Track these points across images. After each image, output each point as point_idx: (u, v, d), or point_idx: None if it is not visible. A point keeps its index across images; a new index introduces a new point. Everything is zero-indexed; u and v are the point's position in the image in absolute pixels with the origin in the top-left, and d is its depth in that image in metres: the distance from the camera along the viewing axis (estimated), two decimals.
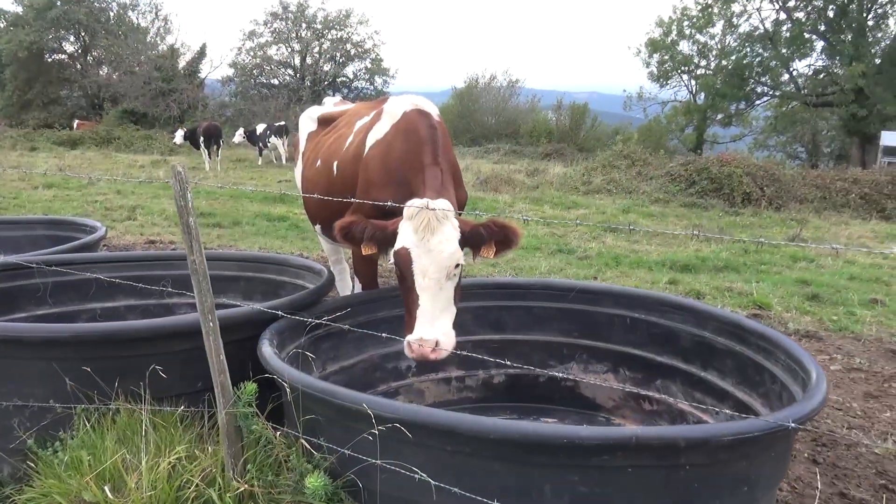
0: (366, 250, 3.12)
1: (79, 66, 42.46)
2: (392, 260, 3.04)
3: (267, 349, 2.72)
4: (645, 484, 2.06)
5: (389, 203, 3.21)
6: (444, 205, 2.96)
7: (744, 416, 3.13)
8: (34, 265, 3.78)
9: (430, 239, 2.87)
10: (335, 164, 4.20)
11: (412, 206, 2.96)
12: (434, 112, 3.85)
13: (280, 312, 2.92)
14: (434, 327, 2.87)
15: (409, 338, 2.90)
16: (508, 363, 2.65)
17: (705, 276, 8.59)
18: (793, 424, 1.96)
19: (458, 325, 3.99)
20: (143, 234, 10.11)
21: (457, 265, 2.94)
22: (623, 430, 1.98)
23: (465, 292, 4.06)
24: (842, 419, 4.27)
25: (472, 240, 2.98)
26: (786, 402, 2.82)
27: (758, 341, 3.10)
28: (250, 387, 2.45)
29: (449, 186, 3.39)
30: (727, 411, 3.24)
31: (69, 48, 43.37)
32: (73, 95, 43.61)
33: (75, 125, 33.82)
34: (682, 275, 8.61)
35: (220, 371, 2.40)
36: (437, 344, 2.86)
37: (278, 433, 2.47)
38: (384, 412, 2.13)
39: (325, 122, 4.89)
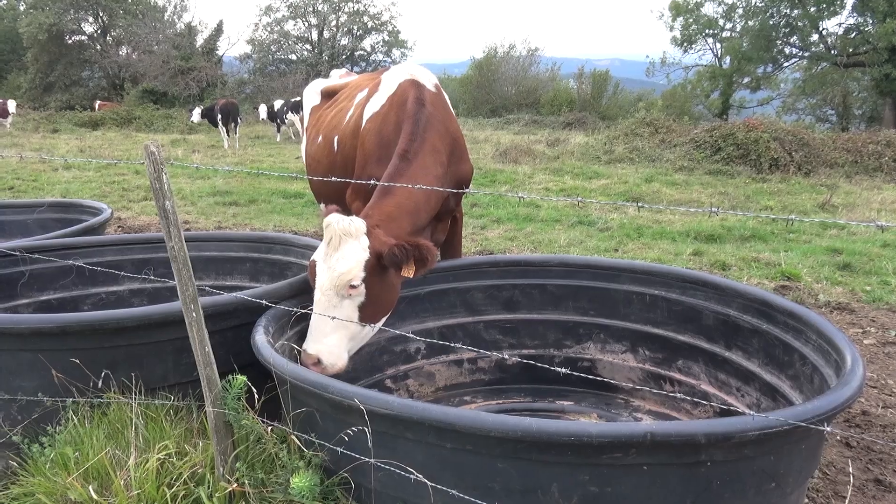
0: None
1: (98, 47, 42.52)
2: None
3: (260, 337, 2.57)
4: (661, 482, 1.89)
5: (372, 181, 3.12)
6: (355, 223, 2.89)
7: (770, 399, 2.94)
8: (17, 253, 3.67)
9: (332, 255, 2.86)
10: (335, 139, 4.03)
11: (325, 221, 2.93)
12: (429, 83, 3.66)
13: (264, 302, 2.76)
14: (318, 343, 2.84)
15: (304, 344, 2.90)
16: (485, 352, 2.47)
17: (731, 247, 8.31)
18: (828, 428, 1.76)
19: (468, 306, 3.88)
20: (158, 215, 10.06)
21: (352, 286, 2.86)
22: (636, 427, 1.80)
23: (476, 270, 3.90)
24: (876, 398, 4.04)
25: (389, 260, 2.89)
26: (817, 385, 2.62)
27: (787, 319, 2.88)
28: (239, 379, 2.31)
29: (418, 176, 3.26)
30: (753, 394, 3.05)
31: (88, 29, 43.47)
32: (95, 76, 43.79)
33: (97, 106, 33.96)
34: (707, 245, 8.34)
35: (205, 363, 2.26)
36: (318, 360, 2.82)
37: (270, 428, 2.34)
38: (377, 407, 1.97)
39: (328, 95, 4.70)
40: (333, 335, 2.85)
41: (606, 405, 3.62)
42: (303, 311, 2.89)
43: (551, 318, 3.83)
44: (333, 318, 2.81)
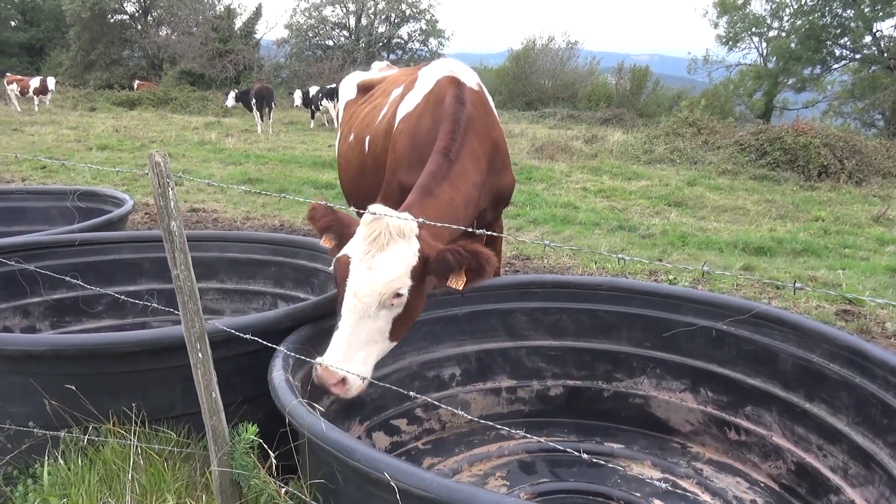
0: (324, 241, 2.72)
1: (139, 27, 42.78)
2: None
3: (278, 374, 2.23)
4: None
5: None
6: (404, 224, 2.48)
7: (861, 466, 2.54)
8: (13, 263, 3.41)
9: (375, 255, 2.44)
10: (367, 139, 3.69)
11: (372, 212, 2.52)
12: (470, 81, 3.30)
13: (261, 340, 2.35)
14: (346, 358, 2.40)
15: (318, 359, 2.43)
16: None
17: (783, 261, 7.82)
18: None
19: (509, 329, 3.52)
20: (186, 202, 9.85)
21: (397, 295, 2.46)
22: None
23: (519, 290, 3.55)
24: None
25: (438, 267, 2.50)
26: None
27: (887, 375, 2.48)
28: (250, 430, 1.99)
29: (458, 180, 2.89)
30: (839, 456, 2.65)
31: (130, 9, 43.73)
32: (135, 56, 44.08)
33: (136, 85, 34.16)
34: (757, 259, 7.85)
35: (211, 412, 1.94)
36: (343, 380, 2.38)
37: (284, 491, 2.01)
38: (411, 486, 1.63)
39: (364, 89, 4.36)
40: (363, 351, 2.45)
41: (661, 450, 3.24)
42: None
43: (601, 347, 3.46)
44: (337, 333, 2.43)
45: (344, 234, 2.63)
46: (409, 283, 2.47)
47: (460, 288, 2.55)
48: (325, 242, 2.72)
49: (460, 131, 3.02)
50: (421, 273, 2.53)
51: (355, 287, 2.44)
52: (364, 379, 2.45)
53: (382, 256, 2.44)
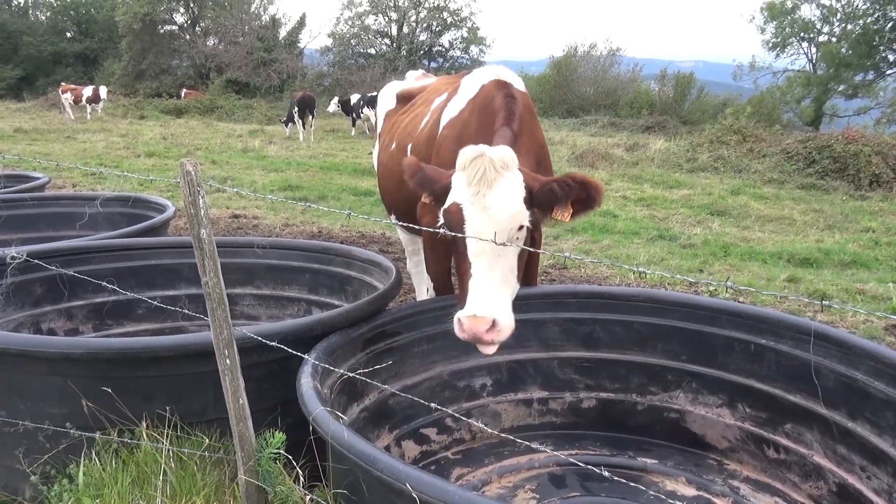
0: (423, 199, 2.68)
1: (188, 37, 43.91)
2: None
3: (306, 381, 2.25)
4: None
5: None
6: (504, 153, 2.40)
7: None
8: (53, 268, 3.50)
9: (486, 194, 2.35)
10: (409, 147, 3.71)
11: (465, 153, 2.43)
12: (517, 84, 3.29)
13: (285, 347, 2.39)
14: (491, 302, 2.33)
15: (459, 314, 2.37)
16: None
17: (830, 273, 7.58)
18: None
19: (541, 339, 3.49)
20: (228, 208, 10.04)
21: (520, 227, 2.41)
22: None
23: (552, 300, 3.51)
24: None
25: (542, 198, 2.43)
26: None
27: None
28: (278, 437, 2.01)
29: (522, 151, 2.81)
30: (884, 478, 2.55)
31: (179, 19, 44.94)
32: (183, 65, 45.24)
33: (183, 94, 35.04)
34: (803, 270, 7.62)
35: (238, 418, 1.96)
36: (493, 323, 2.32)
37: (308, 498, 2.01)
38: (435, 499, 1.61)
39: (403, 99, 4.38)
40: (501, 290, 2.40)
41: (696, 466, 3.16)
42: (350, 374, 2.46)
43: (636, 359, 3.40)
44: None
45: (437, 187, 2.59)
46: (527, 213, 2.42)
47: (566, 220, 2.49)
48: (424, 199, 2.70)
49: (516, 118, 2.98)
50: (529, 204, 2.46)
51: (476, 230, 2.37)
52: (513, 320, 2.40)
53: (494, 193, 2.36)
